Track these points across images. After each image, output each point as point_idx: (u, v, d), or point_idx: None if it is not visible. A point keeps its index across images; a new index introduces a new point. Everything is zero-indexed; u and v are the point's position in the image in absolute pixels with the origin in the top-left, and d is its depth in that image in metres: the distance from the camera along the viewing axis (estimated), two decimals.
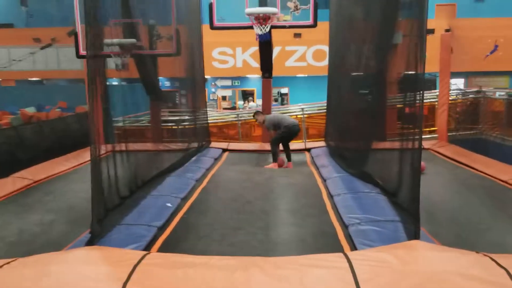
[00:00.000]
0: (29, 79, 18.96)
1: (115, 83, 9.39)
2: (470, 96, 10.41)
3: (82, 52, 8.39)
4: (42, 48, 14.57)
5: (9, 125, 10.97)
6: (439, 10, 16.29)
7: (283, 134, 7.88)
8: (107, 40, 6.63)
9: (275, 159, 7.81)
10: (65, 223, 4.91)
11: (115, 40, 6.98)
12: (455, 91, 11.13)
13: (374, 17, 6.40)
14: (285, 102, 19.06)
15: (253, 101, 18.37)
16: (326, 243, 4.11)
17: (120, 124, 7.70)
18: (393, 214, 4.56)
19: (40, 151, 8.11)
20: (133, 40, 7.27)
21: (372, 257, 3.14)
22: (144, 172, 6.16)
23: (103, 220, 4.18)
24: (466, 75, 17.15)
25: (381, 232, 4.08)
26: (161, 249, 3.98)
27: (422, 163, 4.62)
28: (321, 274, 2.97)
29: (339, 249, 3.91)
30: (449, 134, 9.63)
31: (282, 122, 7.87)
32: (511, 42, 15.40)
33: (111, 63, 7.19)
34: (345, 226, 4.44)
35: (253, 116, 8.63)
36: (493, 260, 3.05)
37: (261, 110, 9.27)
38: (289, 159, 8.00)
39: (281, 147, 8.18)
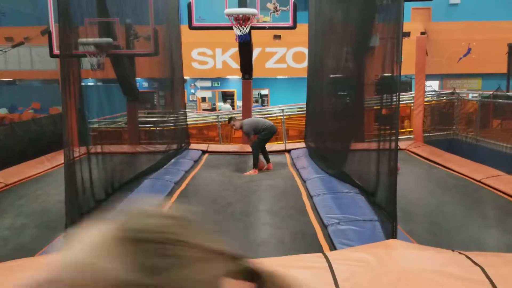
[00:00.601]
0: (1, 79, 18.47)
1: (90, 83, 9.23)
2: (445, 98, 10.63)
3: (56, 51, 8.20)
4: (14, 46, 14.18)
5: None
6: (415, 14, 16.64)
7: (264, 137, 7.79)
8: (82, 39, 6.51)
9: (255, 165, 7.59)
10: (38, 227, 4.77)
11: (90, 40, 6.86)
12: (430, 93, 11.34)
13: (352, 20, 6.47)
14: (265, 103, 19.06)
15: (232, 102, 18.30)
16: (306, 243, 4.11)
17: (96, 125, 7.57)
18: (371, 213, 4.61)
19: (12, 153, 7.88)
20: (109, 40, 7.16)
21: (350, 256, 3.16)
22: (121, 174, 6.06)
23: (78, 224, 4.08)
24: (441, 77, 17.51)
25: (360, 232, 4.12)
26: None
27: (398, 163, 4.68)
28: (301, 274, 2.97)
29: (318, 249, 3.92)
30: (424, 134, 9.80)
31: (261, 125, 7.79)
32: (483, 45, 15.84)
33: (86, 63, 7.06)
34: (324, 226, 4.46)
35: (228, 122, 8.20)
36: (468, 257, 3.10)
37: (234, 117, 8.99)
38: (268, 160, 7.94)
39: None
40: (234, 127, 8.12)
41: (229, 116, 10.03)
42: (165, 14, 8.83)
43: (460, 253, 3.22)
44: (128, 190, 5.83)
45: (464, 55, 16.44)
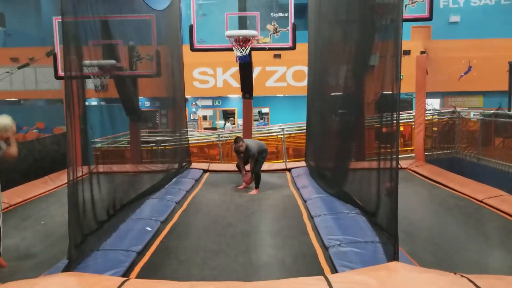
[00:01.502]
0: (7, 99, 18.66)
1: (94, 103, 9.32)
2: (446, 116, 10.68)
3: (61, 73, 8.32)
4: (20, 67, 14.38)
5: None
6: (415, 32, 16.81)
7: (264, 158, 7.86)
8: (86, 61, 6.61)
9: (258, 185, 7.59)
10: (42, 248, 4.79)
11: (95, 61, 6.96)
12: (431, 111, 11.40)
13: (351, 39, 6.57)
14: (265, 122, 19.16)
15: (234, 121, 18.41)
16: (306, 265, 4.11)
17: (99, 145, 7.63)
18: (373, 234, 4.60)
19: (17, 173, 7.93)
20: (113, 61, 7.26)
21: (352, 279, 3.16)
22: (123, 194, 6.08)
23: (81, 245, 4.10)
24: (442, 95, 17.62)
25: (361, 254, 4.11)
26: (140, 274, 3.90)
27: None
28: None
29: (319, 271, 3.91)
30: (426, 153, 9.81)
31: (261, 146, 7.84)
32: (484, 63, 15.95)
33: (90, 83, 7.16)
34: (325, 248, 4.45)
35: (235, 142, 7.66)
36: (470, 281, 3.10)
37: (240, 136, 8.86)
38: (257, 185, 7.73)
39: (247, 167, 7.93)
40: (241, 148, 7.55)
41: (234, 135, 10.04)
42: (168, 35, 8.98)
43: (462, 275, 3.21)
44: (130, 210, 5.85)
45: (465, 73, 16.57)
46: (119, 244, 4.52)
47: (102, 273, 3.67)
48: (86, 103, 6.81)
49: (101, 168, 6.01)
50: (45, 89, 15.86)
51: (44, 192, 7.56)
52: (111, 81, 7.42)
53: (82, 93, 5.86)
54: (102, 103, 8.92)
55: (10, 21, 19.35)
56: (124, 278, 3.41)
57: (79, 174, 4.32)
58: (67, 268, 3.65)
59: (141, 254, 4.41)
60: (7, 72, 14.34)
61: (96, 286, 3.17)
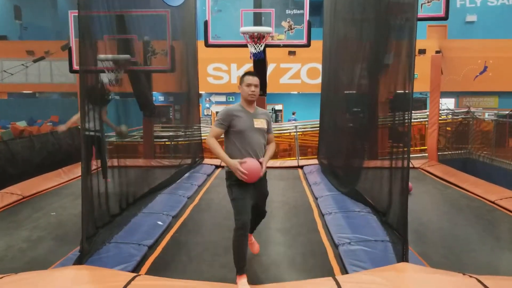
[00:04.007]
0: (22, 92, 18.94)
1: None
2: (460, 116, 10.56)
3: (76, 67, 8.41)
4: (35, 61, 14.59)
5: (0, 139, 10.91)
6: (431, 31, 16.64)
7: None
8: (101, 56, 6.68)
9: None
10: (54, 240, 4.87)
11: (109, 56, 7.02)
12: (445, 111, 11.28)
13: (366, 37, 6.53)
14: (279, 118, 19.13)
15: None
16: (316, 263, 4.11)
17: (113, 139, 7.71)
18: (383, 234, 4.59)
19: (30, 166, 8.06)
20: (128, 56, 7.32)
21: (361, 279, 3.16)
22: (136, 188, 6.15)
23: (93, 238, 4.16)
24: (457, 95, 17.42)
25: (371, 253, 4.10)
26: (151, 269, 3.95)
27: (409, 184, 4.66)
28: None
29: (329, 269, 3.92)
30: (439, 153, 9.72)
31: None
32: (500, 63, 15.72)
33: (105, 78, 7.23)
34: (335, 246, 4.46)
35: None
36: (479, 281, 3.09)
37: None
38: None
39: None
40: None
41: None
42: (183, 30, 9.01)
43: (471, 276, 3.20)
44: (142, 204, 5.91)
45: (481, 73, 16.33)
46: (130, 237, 4.58)
47: (113, 267, 3.73)
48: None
49: (115, 162, 6.09)
50: (60, 83, 16.06)
51: (58, 185, 7.67)
52: (125, 75, 7.49)
53: (97, 87, 5.94)
54: (116, 97, 9.01)
55: (26, 15, 19.64)
56: (134, 274, 3.45)
57: (93, 167, 4.39)
58: (79, 260, 3.71)
59: (152, 248, 4.46)
60: (23, 65, 14.55)
61: (106, 280, 3.22)
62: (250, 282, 3.44)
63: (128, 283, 3.08)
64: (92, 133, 6.79)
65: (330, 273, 3.76)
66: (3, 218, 5.73)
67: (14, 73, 14.14)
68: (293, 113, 18.28)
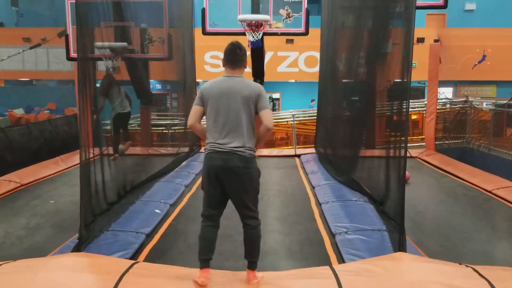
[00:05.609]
0: (19, 79, 18.81)
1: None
2: (458, 105, 10.56)
3: (73, 54, 8.34)
4: (32, 47, 14.45)
5: None
6: (430, 19, 16.54)
7: None
8: (98, 43, 6.63)
9: None
10: (52, 227, 4.89)
11: (106, 43, 6.97)
12: (443, 100, 11.27)
13: (364, 26, 6.49)
14: (276, 107, 19.06)
15: None
16: (313, 252, 4.14)
17: (110, 127, 7.69)
18: (380, 223, 4.62)
19: (28, 153, 8.04)
20: (125, 44, 7.27)
21: (357, 269, 3.19)
22: (133, 176, 6.15)
23: (91, 225, 4.17)
24: (455, 84, 17.39)
25: (368, 241, 4.13)
26: (149, 257, 3.97)
27: (406, 173, 4.67)
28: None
29: (325, 258, 3.95)
30: (436, 142, 9.74)
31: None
32: (499, 52, 15.69)
33: (102, 65, 7.19)
34: (332, 235, 4.48)
35: None
36: (475, 270, 3.11)
37: None
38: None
39: None
40: None
41: None
42: (179, 18, 8.93)
43: (467, 266, 3.23)
44: (140, 192, 5.92)
45: (479, 62, 16.31)
46: (128, 225, 4.59)
47: (111, 254, 3.74)
48: (98, 85, 6.88)
49: (112, 149, 6.08)
50: (57, 70, 15.94)
51: (55, 173, 7.66)
52: (123, 63, 7.44)
53: (94, 74, 5.90)
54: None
55: (23, 1, 19.39)
56: (133, 261, 3.47)
57: (91, 155, 4.38)
58: (77, 248, 3.72)
59: (150, 236, 4.47)
60: (19, 53, 14.43)
61: (105, 267, 3.23)
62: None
63: (127, 270, 3.10)
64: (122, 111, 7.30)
65: (327, 262, 3.78)
66: (1, 205, 5.73)
67: (5, 58, 13.97)
68: (312, 101, 18.18)
